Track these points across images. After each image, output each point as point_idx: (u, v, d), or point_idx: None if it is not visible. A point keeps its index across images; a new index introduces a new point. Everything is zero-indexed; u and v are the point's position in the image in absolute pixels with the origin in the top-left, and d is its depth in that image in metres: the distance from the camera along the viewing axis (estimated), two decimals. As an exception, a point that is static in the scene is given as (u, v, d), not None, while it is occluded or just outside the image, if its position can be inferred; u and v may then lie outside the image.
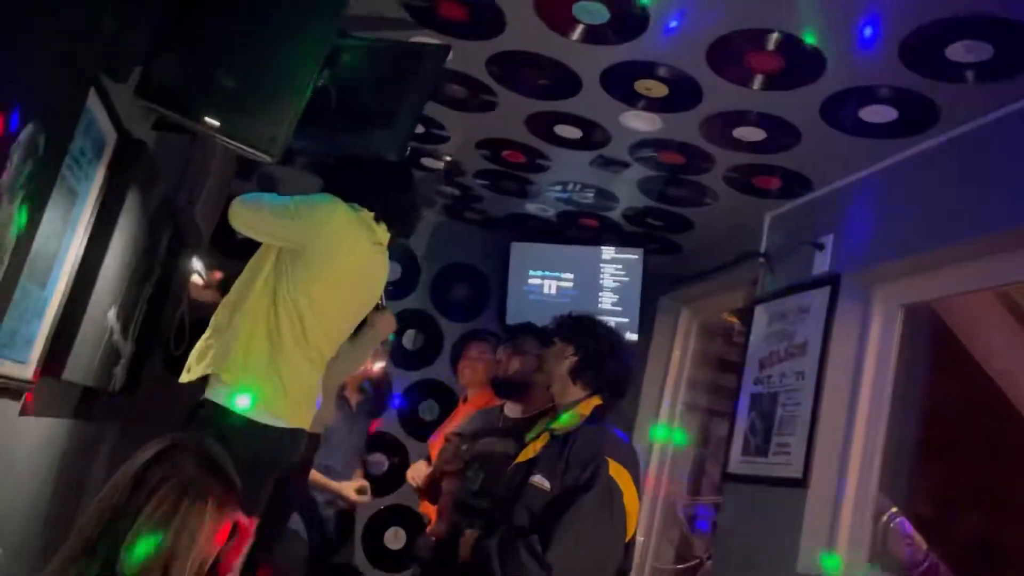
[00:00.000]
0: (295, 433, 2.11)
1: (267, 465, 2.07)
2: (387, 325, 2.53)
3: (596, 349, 2.30)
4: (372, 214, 2.18)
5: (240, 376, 2.02)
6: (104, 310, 2.24)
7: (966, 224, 2.21)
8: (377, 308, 2.53)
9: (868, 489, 2.49)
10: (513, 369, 2.85)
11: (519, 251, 4.02)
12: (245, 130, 1.88)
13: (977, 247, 2.22)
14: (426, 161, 3.48)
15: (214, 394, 2.04)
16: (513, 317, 3.99)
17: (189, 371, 2.12)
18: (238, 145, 1.91)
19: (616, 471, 2.07)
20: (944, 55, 1.99)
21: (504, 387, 2.89)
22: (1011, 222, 2.07)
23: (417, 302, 4.19)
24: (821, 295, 2.67)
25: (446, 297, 4.24)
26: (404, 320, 4.13)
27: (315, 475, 3.23)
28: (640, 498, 2.15)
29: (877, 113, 2.31)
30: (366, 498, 3.48)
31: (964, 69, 2.03)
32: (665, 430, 3.89)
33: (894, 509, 3.28)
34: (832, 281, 2.64)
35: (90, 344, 2.16)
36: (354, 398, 3.55)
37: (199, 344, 2.16)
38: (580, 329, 2.38)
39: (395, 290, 4.16)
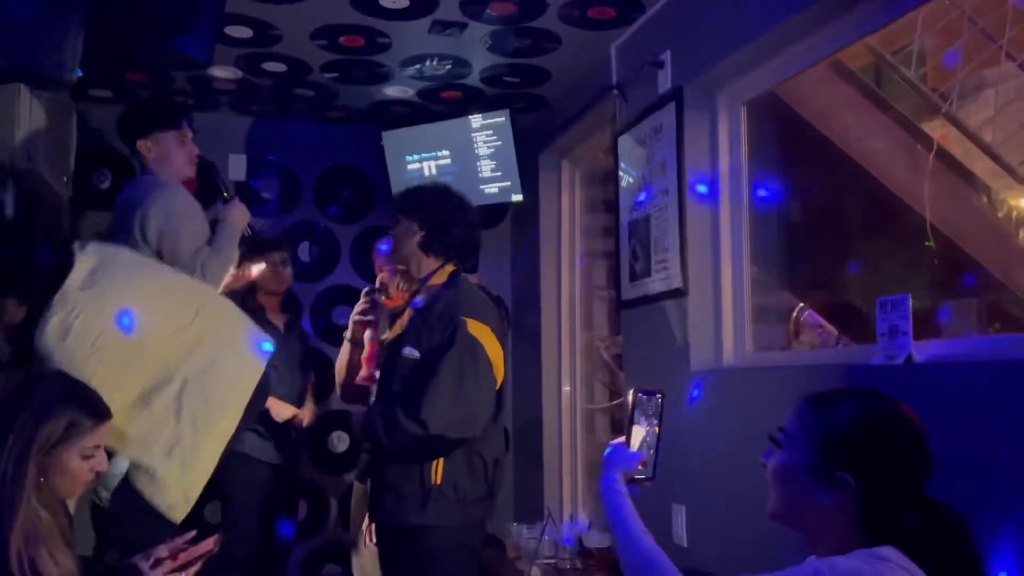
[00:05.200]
0: None
1: None
2: (240, 214, 2.50)
3: (438, 217, 2.34)
4: None
5: None
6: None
7: (783, 3, 2.25)
8: (224, 200, 2.50)
9: (742, 284, 2.63)
10: None
11: (391, 139, 3.98)
12: (28, 60, 1.79)
13: (798, 24, 2.26)
14: (267, 65, 3.38)
15: None
16: (402, 206, 3.99)
17: None
18: (28, 77, 1.82)
19: (474, 327, 2.18)
20: None
21: None
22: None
23: (305, 213, 4.15)
24: (669, 111, 2.72)
25: (332, 201, 4.20)
26: (296, 233, 4.12)
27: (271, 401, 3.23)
28: (505, 347, 2.29)
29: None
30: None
31: None
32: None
33: (801, 304, 3.48)
34: (676, 95, 2.69)
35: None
36: (279, 319, 3.54)
37: None
38: (419, 202, 2.41)
39: (280, 205, 4.12)
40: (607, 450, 1.52)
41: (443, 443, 2.17)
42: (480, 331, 2.19)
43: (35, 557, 1.49)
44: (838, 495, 1.21)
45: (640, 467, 1.51)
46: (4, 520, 1.49)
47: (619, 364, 4.10)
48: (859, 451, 1.23)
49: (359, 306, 3.02)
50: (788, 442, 1.30)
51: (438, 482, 2.18)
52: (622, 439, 1.53)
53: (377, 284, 3.07)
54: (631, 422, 1.53)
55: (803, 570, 1.16)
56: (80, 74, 1.98)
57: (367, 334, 2.98)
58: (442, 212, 2.35)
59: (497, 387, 2.25)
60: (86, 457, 1.62)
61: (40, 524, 1.53)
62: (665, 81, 2.77)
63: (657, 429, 1.54)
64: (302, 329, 3.76)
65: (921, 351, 1.81)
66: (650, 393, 1.55)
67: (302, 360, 3.58)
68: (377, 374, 2.59)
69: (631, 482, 1.49)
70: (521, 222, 4.26)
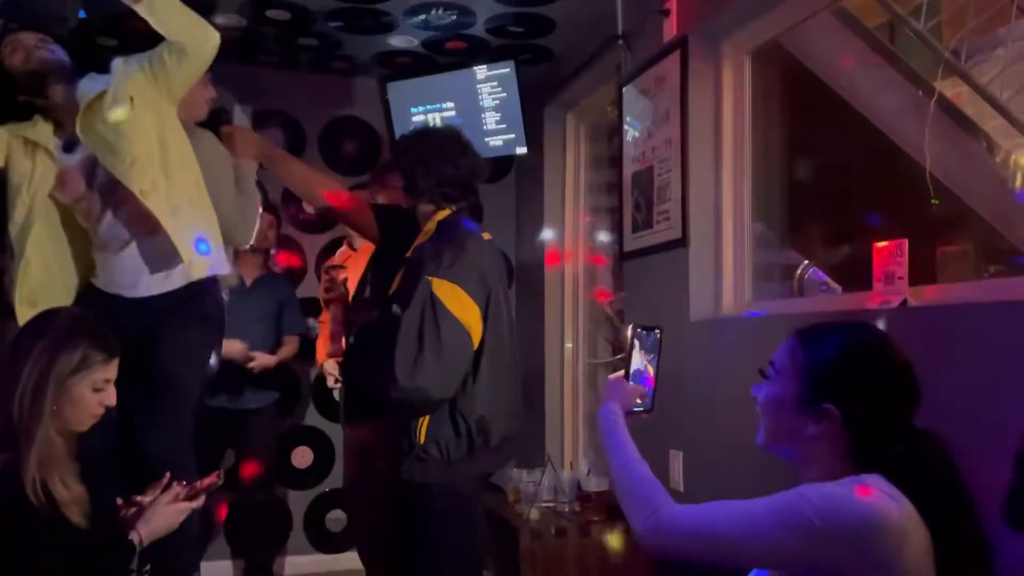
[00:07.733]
0: None
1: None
2: (250, 162, 2.44)
3: (415, 158, 2.26)
4: None
5: None
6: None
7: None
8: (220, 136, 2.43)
9: (743, 235, 2.63)
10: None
11: (396, 91, 3.95)
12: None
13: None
14: (271, 13, 3.36)
15: None
16: (407, 159, 3.98)
17: None
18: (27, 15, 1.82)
19: (439, 287, 2.09)
20: None
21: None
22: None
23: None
24: (673, 61, 2.71)
25: (336, 154, 4.20)
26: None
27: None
28: (484, 303, 2.15)
29: None
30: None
31: None
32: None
33: (806, 262, 3.47)
34: (681, 44, 2.68)
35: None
36: (250, 275, 3.53)
37: None
38: (400, 147, 2.37)
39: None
40: (607, 384, 1.55)
41: (413, 404, 2.12)
42: (445, 290, 2.09)
43: (47, 480, 1.54)
44: (824, 425, 1.24)
45: (639, 400, 1.54)
46: (22, 445, 1.54)
47: (622, 320, 4.13)
48: (843, 382, 1.26)
49: (322, 284, 3.00)
50: (777, 374, 1.33)
51: (422, 440, 2.15)
52: (621, 373, 1.56)
53: (336, 260, 3.07)
54: (630, 357, 1.55)
55: (790, 492, 1.20)
56: (83, 15, 1.98)
57: (332, 312, 2.97)
58: (419, 152, 2.26)
59: (474, 347, 2.14)
60: (97, 390, 1.66)
61: (55, 450, 1.58)
62: (670, 30, 2.75)
63: (655, 364, 1.57)
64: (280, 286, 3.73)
65: (916, 296, 1.82)
66: (649, 329, 1.57)
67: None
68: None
69: (629, 414, 1.52)
70: (526, 176, 4.25)
